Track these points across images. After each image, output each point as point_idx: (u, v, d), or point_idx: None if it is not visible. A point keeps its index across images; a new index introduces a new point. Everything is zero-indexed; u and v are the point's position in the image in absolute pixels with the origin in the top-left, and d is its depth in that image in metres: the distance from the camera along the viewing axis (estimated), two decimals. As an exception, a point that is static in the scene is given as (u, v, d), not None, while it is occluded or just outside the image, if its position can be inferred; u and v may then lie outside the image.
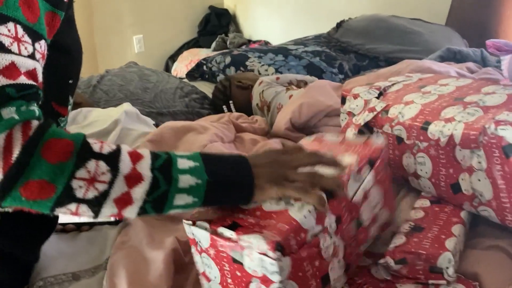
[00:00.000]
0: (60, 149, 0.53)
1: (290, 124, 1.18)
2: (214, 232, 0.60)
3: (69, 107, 0.78)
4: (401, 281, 0.69)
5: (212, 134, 1.09)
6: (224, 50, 2.13)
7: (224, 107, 1.48)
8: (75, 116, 1.26)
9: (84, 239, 0.91)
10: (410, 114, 0.86)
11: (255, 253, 0.55)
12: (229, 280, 0.61)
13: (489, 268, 0.69)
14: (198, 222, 0.62)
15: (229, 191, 0.60)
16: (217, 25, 3.82)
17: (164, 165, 0.57)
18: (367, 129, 0.95)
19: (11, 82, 0.54)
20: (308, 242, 0.58)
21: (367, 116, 0.95)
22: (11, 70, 0.55)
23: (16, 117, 0.52)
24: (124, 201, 0.55)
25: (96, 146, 0.55)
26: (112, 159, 0.55)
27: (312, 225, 0.59)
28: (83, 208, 0.54)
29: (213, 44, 3.52)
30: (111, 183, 0.54)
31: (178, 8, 3.75)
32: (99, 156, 0.54)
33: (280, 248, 0.55)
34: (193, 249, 0.66)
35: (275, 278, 0.55)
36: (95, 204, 0.54)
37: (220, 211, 0.63)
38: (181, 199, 0.57)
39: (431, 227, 0.74)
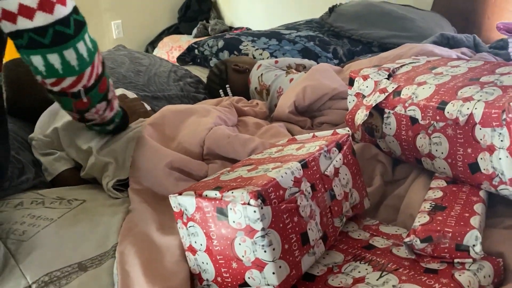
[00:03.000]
0: None
1: (294, 108, 1.16)
2: (200, 196, 0.66)
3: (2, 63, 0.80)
4: (425, 260, 0.69)
5: (216, 117, 1.06)
6: (216, 34, 2.08)
7: (221, 91, 1.44)
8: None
9: (85, 226, 0.87)
10: (424, 94, 0.86)
11: (239, 205, 0.61)
12: (215, 242, 0.65)
13: (512, 246, 0.70)
14: (185, 192, 0.69)
15: None
16: (197, 11, 3.75)
17: None
18: (377, 111, 0.95)
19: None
20: (286, 199, 0.64)
21: (378, 97, 0.94)
22: None
23: None
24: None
25: None
26: None
27: (289, 185, 0.65)
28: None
29: (194, 31, 3.46)
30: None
31: (158, -7, 3.66)
32: None
33: (261, 197, 0.60)
34: (179, 224, 0.71)
35: (258, 226, 0.60)
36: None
37: (204, 183, 0.71)
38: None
39: (453, 206, 0.74)
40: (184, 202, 0.68)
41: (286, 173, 0.66)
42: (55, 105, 1.13)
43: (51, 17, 0.68)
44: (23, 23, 0.68)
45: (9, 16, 0.67)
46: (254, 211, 0.60)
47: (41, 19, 0.67)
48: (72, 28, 0.71)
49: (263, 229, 0.60)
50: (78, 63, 0.73)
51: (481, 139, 0.75)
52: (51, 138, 1.07)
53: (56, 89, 0.76)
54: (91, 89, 0.80)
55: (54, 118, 1.13)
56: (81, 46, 0.73)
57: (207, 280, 0.69)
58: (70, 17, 0.70)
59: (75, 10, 0.73)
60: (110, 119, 0.94)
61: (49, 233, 0.83)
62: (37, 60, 0.71)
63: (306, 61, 1.46)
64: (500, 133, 0.71)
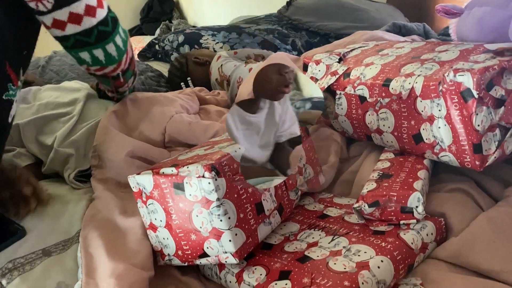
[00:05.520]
0: None
1: (253, 95, 1.19)
2: (157, 173, 0.68)
3: (20, 82, 0.82)
4: (374, 224, 0.73)
5: (178, 105, 1.08)
6: (176, 30, 2.10)
7: (182, 84, 1.46)
8: (25, 95, 1.19)
9: (49, 215, 0.88)
10: (371, 74, 0.91)
11: (194, 178, 0.64)
12: (174, 217, 0.68)
13: (453, 207, 0.75)
14: (143, 172, 0.71)
15: None
16: (160, 11, 3.74)
17: None
18: (329, 93, 0.99)
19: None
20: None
21: (330, 80, 0.98)
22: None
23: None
24: None
25: None
26: None
27: None
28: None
29: (158, 31, 3.44)
30: None
31: (119, -6, 3.64)
32: None
33: (215, 170, 0.63)
34: (139, 203, 0.73)
35: (213, 196, 0.63)
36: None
37: (162, 163, 0.74)
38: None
39: (398, 174, 0.79)
40: (142, 181, 0.70)
41: (240, 148, 0.69)
42: None
43: (95, 20, 0.79)
44: (71, 29, 0.78)
45: (60, 25, 0.77)
46: (209, 183, 0.63)
47: (87, 23, 0.78)
48: (110, 25, 0.82)
49: (218, 199, 0.63)
50: (117, 54, 0.86)
51: (422, 111, 0.80)
52: (10, 135, 1.06)
53: (99, 73, 0.90)
54: (126, 71, 0.95)
55: None
56: (117, 39, 0.85)
57: (168, 255, 0.71)
58: (108, 17, 0.82)
59: (109, 8, 0.84)
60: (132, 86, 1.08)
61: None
62: (84, 55, 0.83)
63: (264, 52, 1.50)
64: (438, 104, 0.77)
